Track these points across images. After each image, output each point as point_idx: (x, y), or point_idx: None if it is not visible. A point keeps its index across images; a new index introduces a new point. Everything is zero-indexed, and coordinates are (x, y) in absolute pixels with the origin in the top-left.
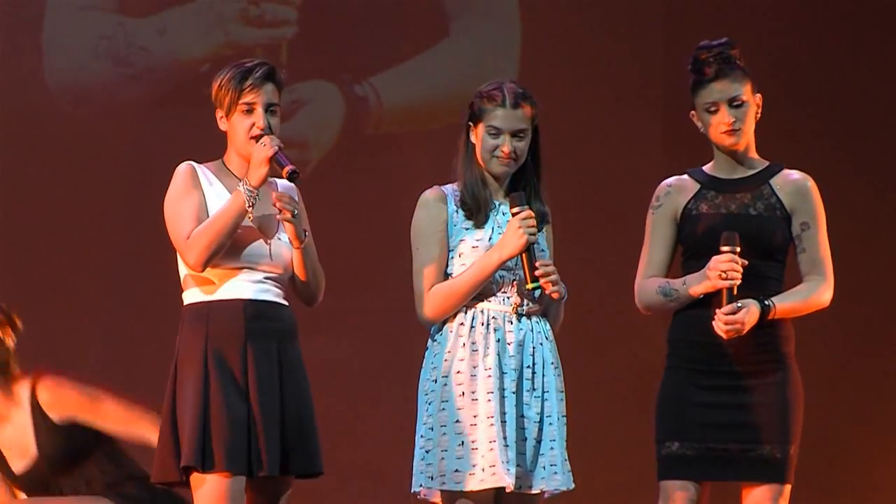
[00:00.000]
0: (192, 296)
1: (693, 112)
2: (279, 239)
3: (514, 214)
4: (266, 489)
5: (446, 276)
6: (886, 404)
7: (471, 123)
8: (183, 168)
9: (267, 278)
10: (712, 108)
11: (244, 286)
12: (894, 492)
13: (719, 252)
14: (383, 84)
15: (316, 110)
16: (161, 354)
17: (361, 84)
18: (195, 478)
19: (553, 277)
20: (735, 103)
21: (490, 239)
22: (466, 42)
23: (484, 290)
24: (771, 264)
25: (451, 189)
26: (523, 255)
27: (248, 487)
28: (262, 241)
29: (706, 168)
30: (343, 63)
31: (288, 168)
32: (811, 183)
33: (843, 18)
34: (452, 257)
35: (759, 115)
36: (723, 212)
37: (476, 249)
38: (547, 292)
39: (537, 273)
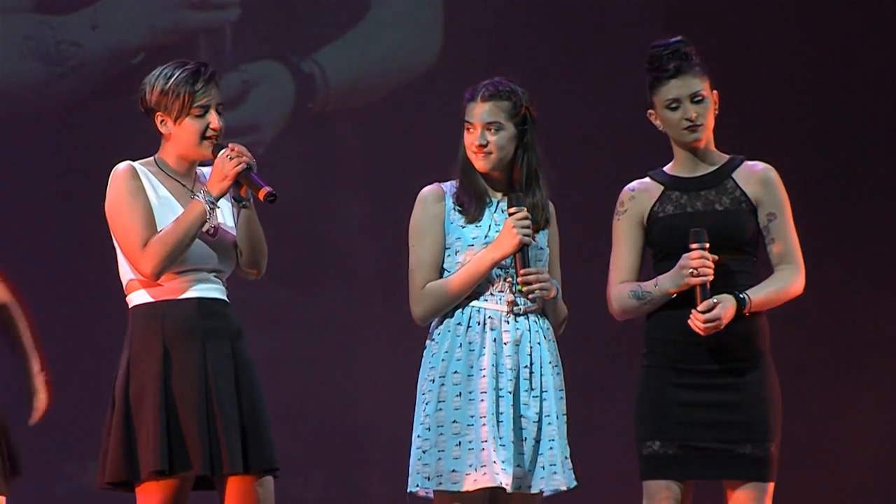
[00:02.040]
0: (140, 297)
1: (651, 111)
2: (224, 238)
3: (509, 214)
4: (236, 489)
5: (443, 272)
6: (861, 399)
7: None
8: (123, 170)
9: (215, 277)
10: (673, 105)
11: (194, 285)
12: (868, 487)
13: (687, 250)
14: (327, 60)
15: (266, 91)
16: (98, 354)
17: (307, 61)
18: (159, 480)
19: (535, 286)
20: (696, 99)
21: (487, 236)
22: (389, 13)
23: (480, 289)
24: (742, 258)
25: (449, 186)
26: (517, 255)
27: (225, 487)
28: (208, 240)
29: (668, 168)
30: (287, 41)
31: (265, 190)
32: (774, 173)
33: (837, 16)
34: (449, 254)
35: (716, 112)
36: (689, 210)
37: (472, 247)
38: (528, 297)
39: (518, 280)
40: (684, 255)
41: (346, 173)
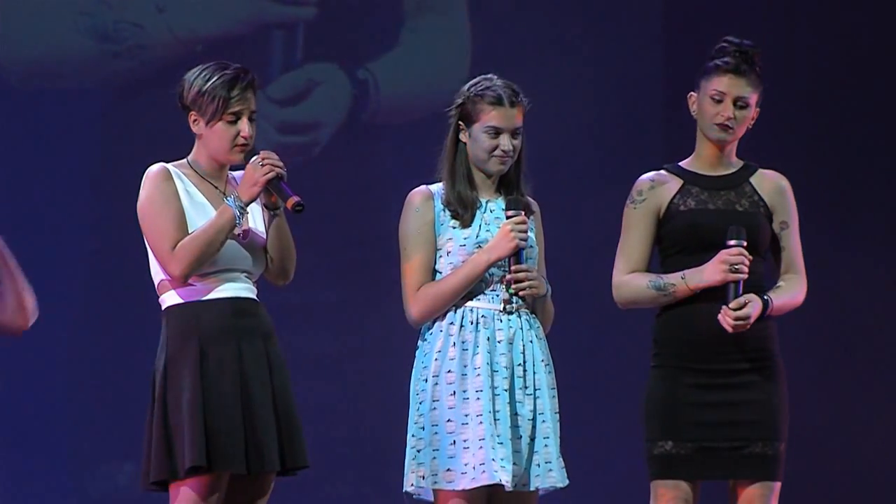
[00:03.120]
0: (173, 297)
1: (692, 94)
2: (255, 240)
3: (507, 217)
4: (250, 486)
5: (434, 274)
6: (864, 402)
7: (461, 123)
8: (156, 171)
9: (246, 277)
10: (717, 97)
11: (226, 286)
12: (876, 489)
13: (725, 246)
14: (380, 69)
15: (327, 92)
16: (134, 354)
17: (361, 68)
18: (194, 478)
19: (525, 284)
20: (740, 103)
21: (477, 236)
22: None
23: (473, 289)
24: (758, 260)
25: (437, 188)
26: (512, 258)
27: (235, 484)
28: (239, 241)
29: (685, 164)
30: (345, 46)
31: (293, 200)
32: (787, 183)
33: (841, 14)
34: (440, 256)
35: (751, 126)
36: (711, 208)
37: (464, 248)
38: (519, 295)
39: (508, 278)
40: (724, 251)
41: (382, 181)
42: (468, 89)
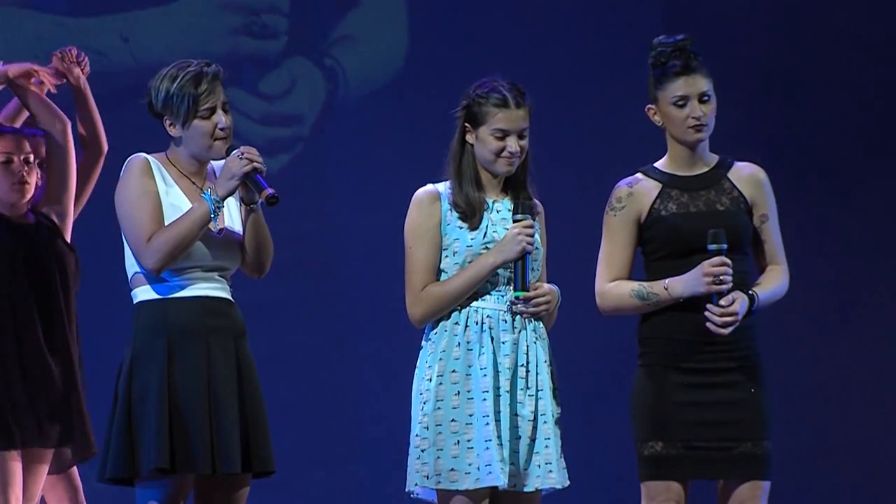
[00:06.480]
0: (145, 293)
1: (651, 107)
2: (230, 237)
3: (515, 221)
4: (222, 487)
5: (439, 274)
6: (847, 399)
7: (468, 125)
8: (137, 161)
9: (219, 276)
10: (680, 103)
11: (199, 284)
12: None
13: (704, 250)
14: (342, 54)
15: (305, 86)
16: (99, 351)
17: (326, 56)
18: (157, 482)
19: (533, 310)
20: (704, 98)
21: (484, 236)
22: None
23: (479, 289)
24: (741, 257)
25: (444, 187)
26: (518, 262)
27: (205, 486)
28: (214, 238)
29: (661, 165)
30: (307, 37)
31: (267, 192)
32: (764, 175)
33: (838, 15)
34: (446, 256)
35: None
36: (692, 210)
37: (470, 248)
38: (522, 314)
39: (521, 297)
40: (706, 263)
41: (347, 173)
42: (473, 91)
